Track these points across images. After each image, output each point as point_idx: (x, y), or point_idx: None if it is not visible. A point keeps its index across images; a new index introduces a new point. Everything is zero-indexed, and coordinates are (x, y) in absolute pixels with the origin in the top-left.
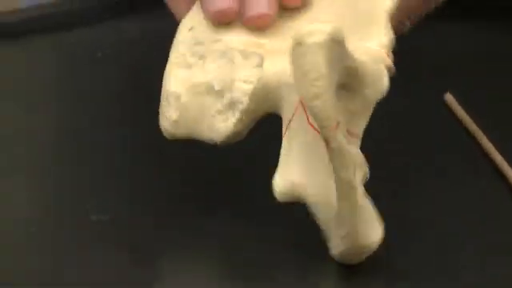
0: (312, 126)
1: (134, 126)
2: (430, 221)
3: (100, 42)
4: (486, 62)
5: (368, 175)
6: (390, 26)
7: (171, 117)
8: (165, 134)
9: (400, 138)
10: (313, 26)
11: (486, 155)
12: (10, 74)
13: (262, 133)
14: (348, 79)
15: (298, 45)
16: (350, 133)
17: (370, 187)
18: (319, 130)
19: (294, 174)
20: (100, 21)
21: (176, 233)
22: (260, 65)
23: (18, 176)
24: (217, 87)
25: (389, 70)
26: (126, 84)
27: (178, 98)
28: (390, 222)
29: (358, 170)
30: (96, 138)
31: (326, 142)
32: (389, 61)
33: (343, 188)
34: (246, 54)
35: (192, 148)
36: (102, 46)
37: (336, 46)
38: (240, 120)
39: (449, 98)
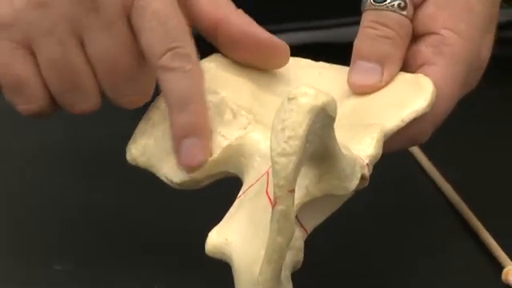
0: (268, 195)
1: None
2: None
3: None
4: None
5: (299, 266)
6: (381, 144)
7: (142, 141)
8: (128, 156)
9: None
10: (311, 89)
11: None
12: None
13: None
14: (321, 158)
15: (289, 100)
16: (301, 224)
17: None
18: (273, 189)
19: (231, 233)
20: None
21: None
22: (244, 128)
23: None
24: None
25: (363, 179)
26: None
27: (154, 125)
28: None
29: (294, 252)
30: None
31: (275, 202)
32: (366, 171)
33: (274, 253)
34: (235, 114)
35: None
36: None
37: (325, 117)
38: (203, 168)
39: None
